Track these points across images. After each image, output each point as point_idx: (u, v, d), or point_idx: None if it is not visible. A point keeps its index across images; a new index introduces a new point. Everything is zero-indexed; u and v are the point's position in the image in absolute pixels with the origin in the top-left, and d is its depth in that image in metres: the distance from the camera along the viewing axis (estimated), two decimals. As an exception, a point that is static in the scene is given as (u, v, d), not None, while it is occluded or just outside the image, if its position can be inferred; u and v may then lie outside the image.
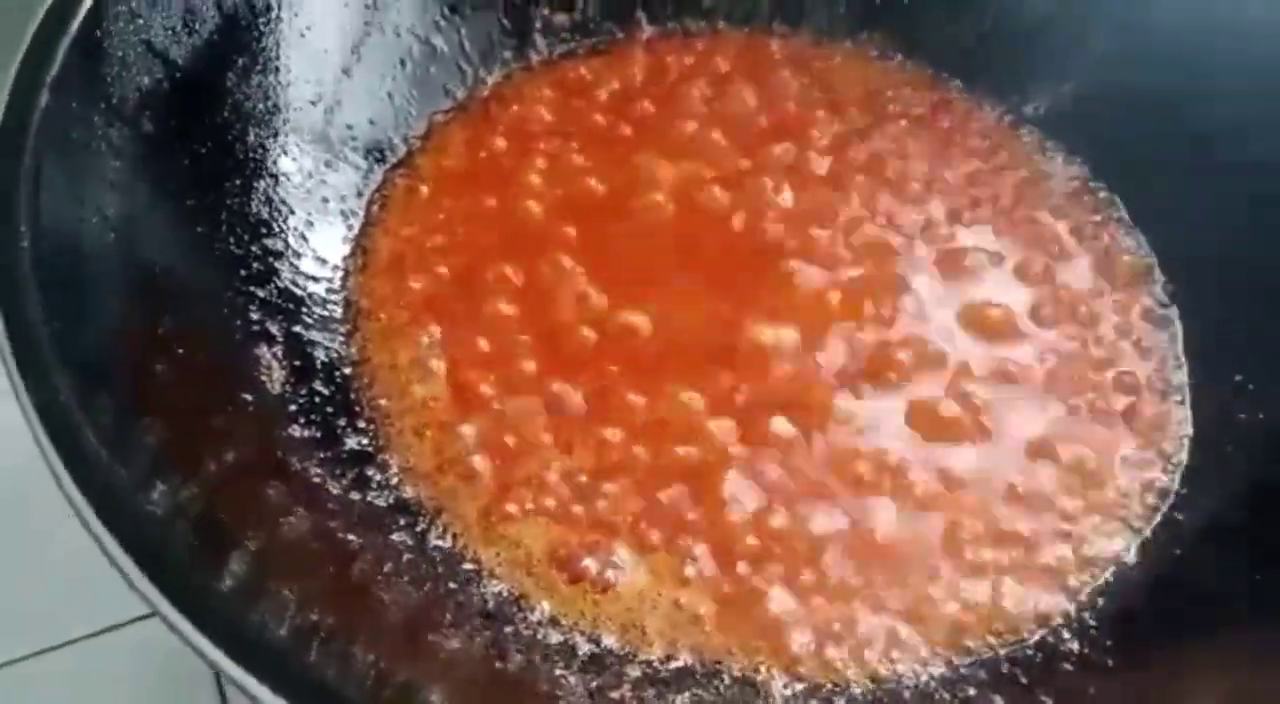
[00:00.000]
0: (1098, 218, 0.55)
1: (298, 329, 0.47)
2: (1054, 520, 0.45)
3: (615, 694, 0.39)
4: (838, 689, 0.41)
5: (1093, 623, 0.43)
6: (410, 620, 0.39)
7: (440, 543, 0.43)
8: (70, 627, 0.48)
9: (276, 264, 0.48)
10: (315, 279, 0.49)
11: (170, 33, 0.46)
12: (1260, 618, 0.41)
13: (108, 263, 0.40)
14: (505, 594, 0.42)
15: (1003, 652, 0.42)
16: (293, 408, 0.44)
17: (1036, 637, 0.42)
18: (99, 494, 0.32)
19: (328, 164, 0.52)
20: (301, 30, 0.51)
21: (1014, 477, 0.46)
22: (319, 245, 0.50)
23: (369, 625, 0.38)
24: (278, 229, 0.49)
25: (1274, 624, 0.41)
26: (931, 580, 0.43)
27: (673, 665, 0.41)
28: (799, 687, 0.41)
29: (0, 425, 0.34)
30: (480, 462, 0.45)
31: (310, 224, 0.50)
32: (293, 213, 0.50)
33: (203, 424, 0.40)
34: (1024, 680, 0.41)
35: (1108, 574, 0.44)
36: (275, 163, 0.50)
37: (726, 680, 0.41)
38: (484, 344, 0.48)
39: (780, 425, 0.46)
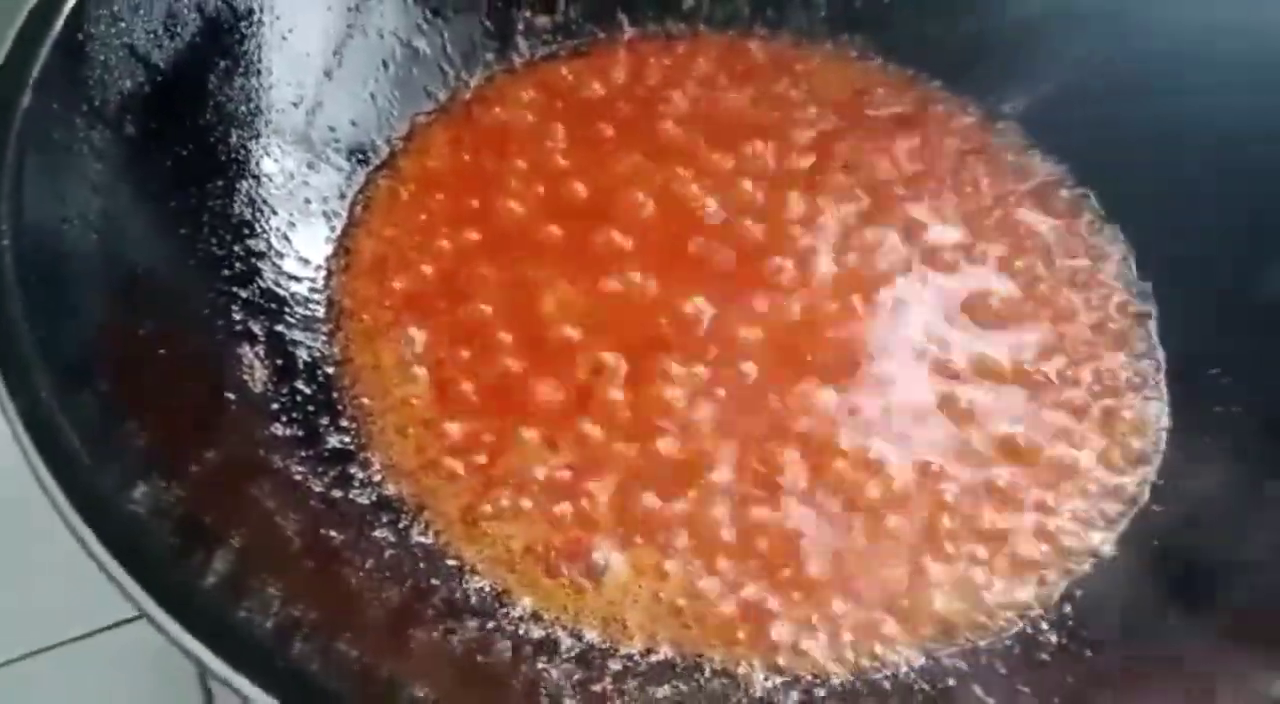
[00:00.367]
0: (1076, 215, 0.55)
1: (280, 329, 0.47)
2: (1032, 513, 0.46)
3: (597, 688, 0.39)
4: (818, 681, 0.41)
5: (1070, 615, 0.43)
6: (393, 616, 0.40)
7: (422, 540, 0.43)
8: (59, 629, 0.48)
9: (259, 264, 0.48)
10: (298, 279, 0.49)
11: (152, 35, 0.46)
12: (1236, 610, 0.42)
13: (90, 263, 0.40)
14: (487, 590, 0.42)
15: (981, 643, 0.42)
16: (275, 407, 0.44)
17: (1015, 628, 0.43)
18: (82, 494, 0.33)
19: (310, 165, 0.52)
20: (283, 33, 0.51)
21: (992, 470, 0.46)
22: (301, 246, 0.50)
23: (352, 622, 0.38)
24: (260, 230, 0.49)
25: (1250, 615, 0.41)
26: (910, 573, 0.44)
27: (653, 659, 0.41)
28: (779, 679, 0.41)
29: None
30: (462, 459, 0.45)
31: (293, 225, 0.50)
32: (275, 214, 0.50)
33: (185, 423, 0.41)
34: (1002, 671, 0.42)
35: (1085, 566, 0.45)
36: (257, 164, 0.50)
37: (707, 673, 0.41)
38: (465, 344, 0.48)
39: (761, 422, 0.47)
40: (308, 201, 0.51)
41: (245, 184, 0.49)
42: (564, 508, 0.44)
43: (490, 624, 0.41)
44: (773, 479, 0.45)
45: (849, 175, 0.56)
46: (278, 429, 0.44)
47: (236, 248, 0.48)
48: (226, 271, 0.47)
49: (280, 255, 0.49)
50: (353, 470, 0.44)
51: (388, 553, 0.42)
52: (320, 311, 0.49)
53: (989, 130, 0.58)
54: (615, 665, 0.41)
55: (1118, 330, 0.51)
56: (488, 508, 0.44)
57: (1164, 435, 0.48)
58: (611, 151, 0.56)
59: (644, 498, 0.44)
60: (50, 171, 0.40)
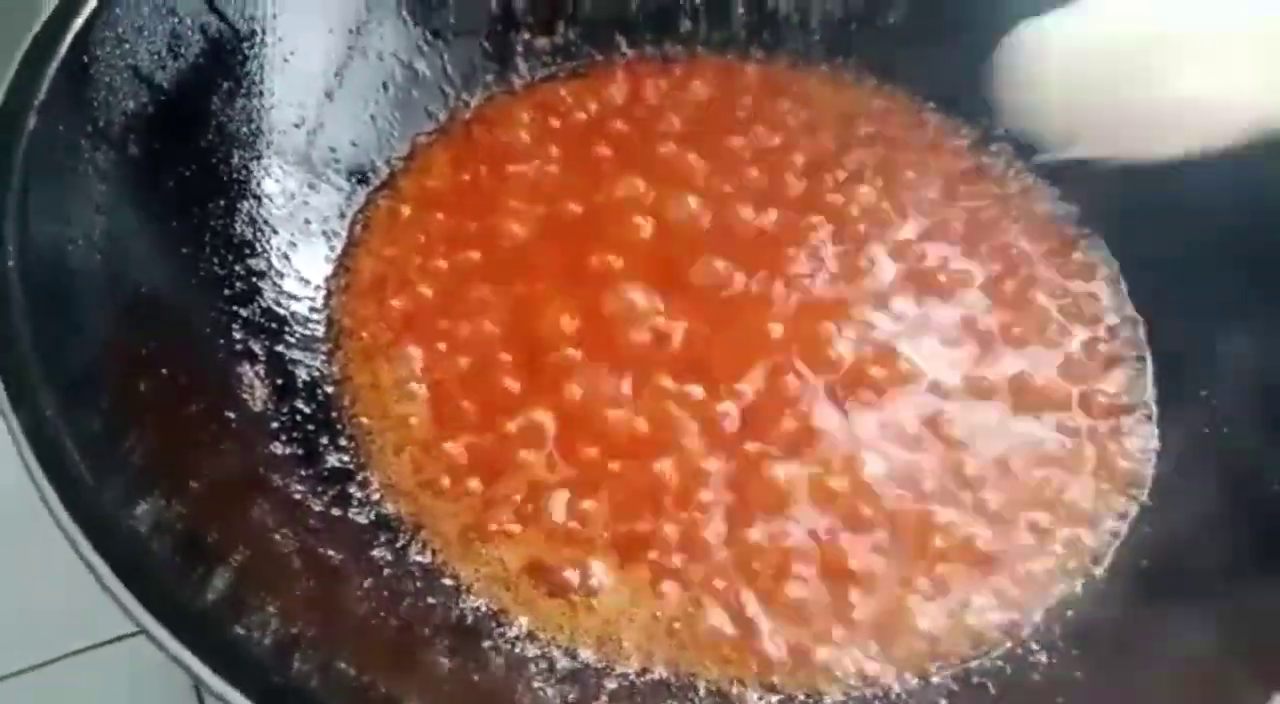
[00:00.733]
0: (1067, 237, 0.56)
1: (280, 348, 0.48)
2: (1022, 534, 0.46)
3: (592, 707, 0.40)
4: (811, 701, 0.41)
5: (1060, 635, 0.44)
6: (390, 634, 0.40)
7: (420, 558, 0.44)
8: (57, 643, 0.48)
9: (259, 284, 0.49)
10: (298, 299, 0.50)
11: (156, 57, 0.46)
12: (1225, 631, 0.42)
13: (93, 282, 0.41)
14: (484, 609, 0.43)
15: (972, 663, 0.43)
16: (275, 426, 0.45)
17: (1005, 648, 0.43)
18: (84, 511, 0.33)
19: (310, 185, 0.53)
20: (285, 54, 0.52)
21: (983, 491, 0.47)
22: (301, 265, 0.51)
23: (350, 640, 0.38)
24: (261, 249, 0.50)
25: (1240, 637, 0.41)
26: (902, 593, 0.44)
27: (649, 678, 0.41)
28: (773, 698, 0.41)
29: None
30: (460, 478, 0.46)
31: (293, 244, 0.51)
32: (276, 233, 0.50)
33: (186, 441, 0.41)
34: (993, 691, 0.42)
35: (1076, 586, 0.45)
36: (259, 184, 0.50)
37: (701, 692, 0.41)
38: (464, 363, 0.49)
39: (756, 442, 0.47)
40: (308, 221, 0.52)
41: (246, 204, 0.50)
42: (560, 527, 0.44)
43: (487, 643, 0.41)
44: (767, 499, 0.45)
45: (843, 197, 0.56)
46: (277, 448, 0.44)
47: (237, 267, 0.48)
48: (227, 291, 0.47)
49: (281, 275, 0.50)
50: (351, 489, 0.45)
51: (385, 572, 0.42)
52: (320, 331, 0.50)
53: (982, 152, 0.59)
54: (611, 685, 0.41)
55: (1107, 352, 0.52)
56: (485, 527, 0.44)
57: (1153, 456, 0.49)
58: (609, 173, 0.56)
59: (640, 518, 0.45)
60: (55, 193, 0.41)
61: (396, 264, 0.52)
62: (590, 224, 0.54)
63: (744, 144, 0.58)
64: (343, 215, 0.54)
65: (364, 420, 0.47)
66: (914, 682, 0.42)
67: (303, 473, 0.44)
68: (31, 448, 0.34)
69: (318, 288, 0.51)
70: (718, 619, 0.43)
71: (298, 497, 0.43)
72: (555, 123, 0.59)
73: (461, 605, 0.43)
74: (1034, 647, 0.43)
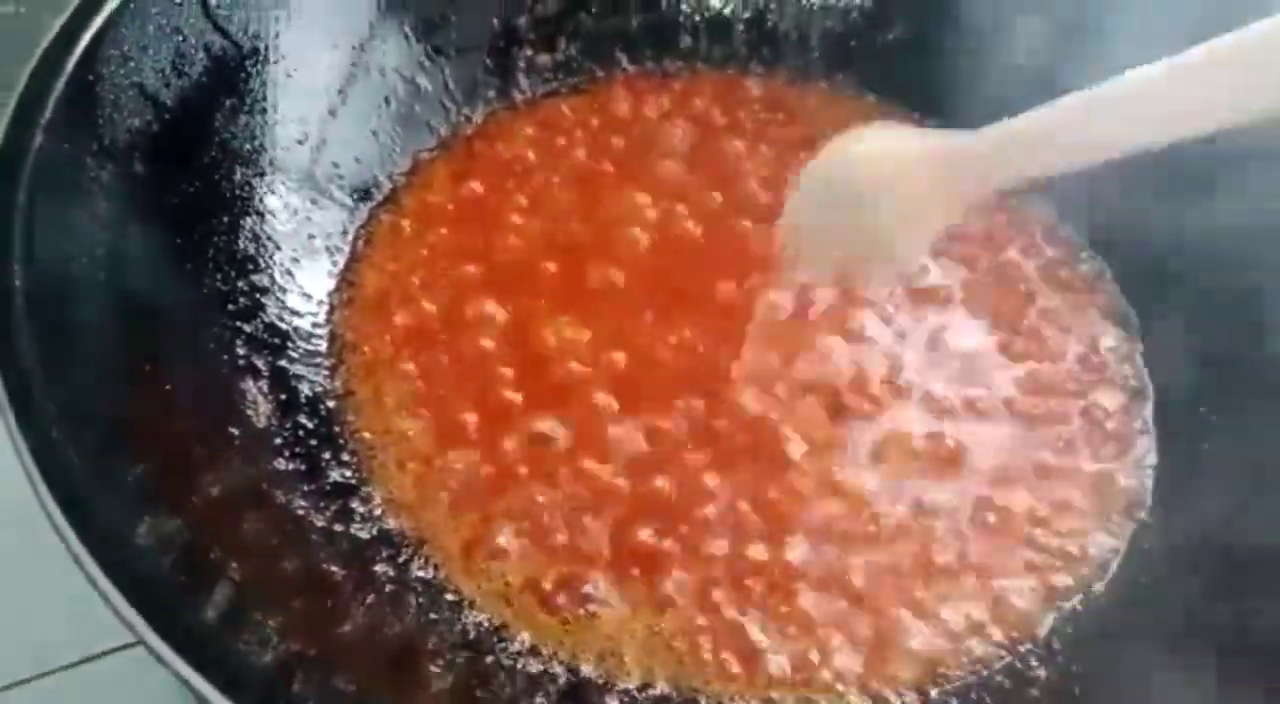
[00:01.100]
0: (1065, 252, 0.56)
1: (283, 363, 0.48)
2: (1022, 550, 0.46)
3: (594, 723, 0.40)
4: (812, 716, 0.42)
5: (1060, 650, 0.44)
6: (392, 650, 0.40)
7: (422, 574, 0.44)
8: (57, 654, 0.48)
9: (263, 299, 0.49)
10: (301, 314, 0.50)
11: (160, 75, 0.47)
12: (1226, 645, 0.42)
13: (97, 299, 0.41)
14: (486, 624, 0.43)
15: (971, 679, 0.43)
16: (278, 441, 0.45)
17: (1004, 663, 0.43)
18: (87, 527, 0.33)
19: (314, 201, 0.53)
20: (288, 72, 0.52)
21: (983, 507, 0.47)
22: (305, 281, 0.51)
23: (351, 656, 0.38)
24: (264, 265, 0.50)
25: (1239, 651, 0.42)
26: (903, 609, 0.44)
27: (650, 694, 0.42)
28: (773, 714, 0.42)
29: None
30: (462, 494, 0.46)
31: (296, 260, 0.51)
32: (279, 249, 0.51)
33: (189, 457, 0.41)
34: (993, 706, 0.42)
35: (1075, 602, 0.45)
36: (262, 201, 0.51)
37: (702, 708, 0.42)
38: (466, 378, 0.49)
39: (756, 457, 0.47)
40: (311, 237, 0.52)
41: (250, 220, 0.50)
42: (562, 543, 0.45)
43: (488, 658, 0.42)
44: (767, 515, 0.46)
45: (843, 212, 0.56)
46: (280, 463, 0.44)
47: (241, 283, 0.48)
48: (231, 307, 0.48)
49: (284, 290, 0.50)
50: (354, 505, 0.45)
51: (388, 588, 0.42)
52: (323, 346, 0.50)
53: (981, 168, 0.59)
54: (612, 701, 0.41)
55: (1107, 367, 0.52)
56: (487, 543, 0.45)
57: (1152, 473, 0.49)
58: (610, 188, 0.57)
59: (641, 533, 0.45)
60: (60, 210, 0.41)
61: (399, 279, 0.53)
62: (591, 239, 0.55)
63: (744, 159, 0.59)
64: (345, 231, 0.54)
65: (366, 435, 0.48)
66: (913, 697, 0.42)
67: (305, 488, 0.44)
68: (36, 464, 0.34)
69: (320, 303, 0.51)
70: (719, 635, 0.43)
71: (300, 512, 0.43)
72: (557, 139, 0.59)
73: (463, 621, 0.43)
74: (1033, 662, 0.43)
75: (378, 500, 0.46)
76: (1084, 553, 0.46)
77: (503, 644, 0.42)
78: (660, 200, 0.56)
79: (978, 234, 0.56)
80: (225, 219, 0.49)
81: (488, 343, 0.50)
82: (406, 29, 0.57)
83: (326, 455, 0.46)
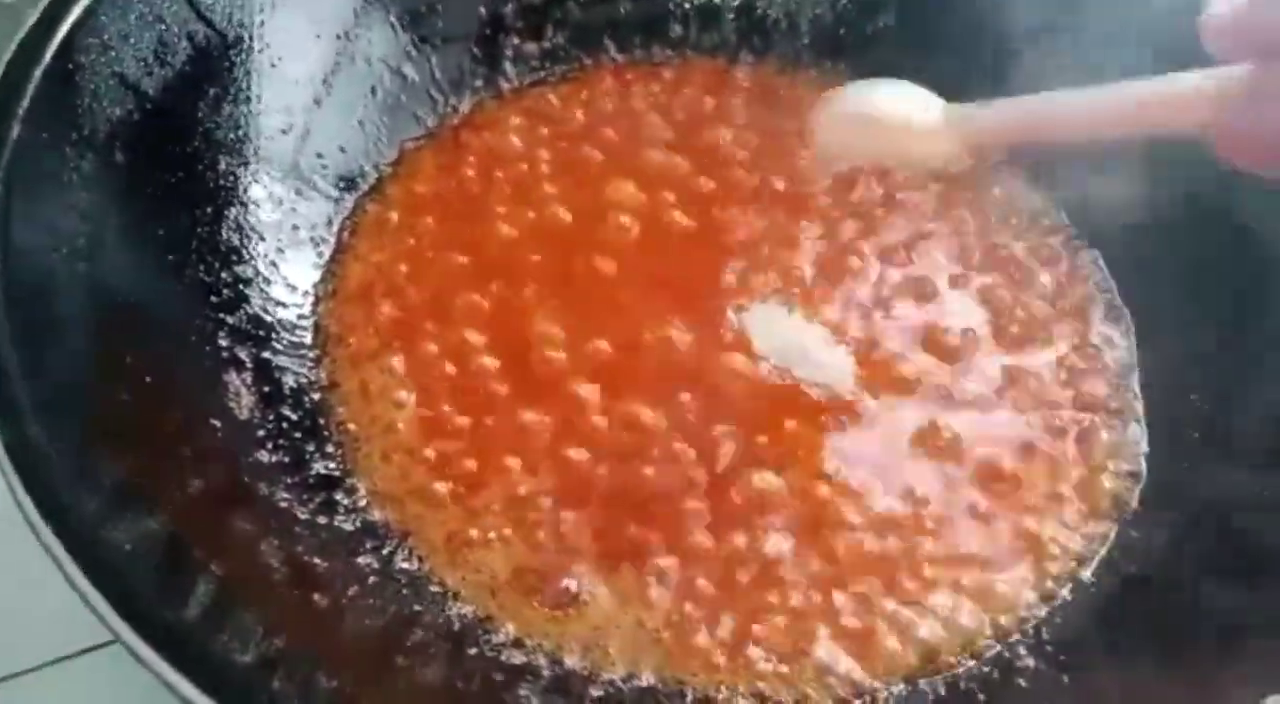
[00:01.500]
0: (1057, 242, 0.56)
1: (267, 355, 0.48)
2: (1012, 539, 0.46)
3: (579, 715, 0.40)
4: (798, 706, 0.41)
5: (1049, 640, 0.43)
6: (375, 643, 0.40)
7: (406, 566, 0.43)
8: (36, 652, 0.48)
9: (246, 291, 0.49)
10: (285, 305, 0.50)
11: (142, 64, 0.46)
12: (1214, 635, 0.42)
13: (78, 291, 0.41)
14: (470, 616, 0.43)
15: (960, 669, 0.43)
16: (261, 433, 0.45)
17: (994, 653, 0.43)
18: (64, 523, 0.33)
19: (299, 191, 0.53)
20: (272, 61, 0.52)
21: (973, 496, 0.47)
22: (289, 272, 0.51)
23: (334, 650, 0.38)
24: (248, 256, 0.49)
25: (1228, 642, 0.41)
26: (891, 599, 0.44)
27: (635, 685, 0.41)
28: (760, 705, 0.41)
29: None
30: (447, 485, 0.46)
31: (280, 251, 0.51)
32: (263, 240, 0.50)
33: (170, 450, 0.41)
34: (981, 697, 0.42)
35: (1065, 591, 0.45)
36: (246, 191, 0.50)
37: (689, 700, 0.41)
38: (452, 369, 0.49)
39: (743, 448, 0.47)
40: (296, 228, 0.52)
41: (234, 211, 0.50)
42: (547, 534, 0.44)
43: (473, 650, 0.41)
44: (754, 505, 0.45)
45: (833, 201, 0.56)
46: (263, 455, 0.44)
47: (224, 274, 0.48)
48: (214, 298, 0.47)
49: (268, 282, 0.50)
50: (338, 497, 0.45)
51: (371, 580, 0.42)
52: (307, 337, 0.50)
53: (972, 157, 0.59)
54: (597, 692, 0.41)
55: (1097, 355, 0.52)
56: (472, 534, 0.44)
57: (1143, 461, 0.49)
58: (598, 177, 0.56)
59: (627, 524, 0.45)
60: (39, 201, 0.41)
61: (384, 270, 0.52)
62: (579, 229, 0.54)
63: (734, 149, 0.58)
64: (331, 222, 0.54)
65: (351, 427, 0.47)
66: (901, 688, 0.42)
67: (289, 480, 0.44)
68: (11, 459, 0.34)
69: (305, 294, 0.51)
70: (705, 626, 0.43)
71: (284, 504, 0.43)
72: (544, 128, 0.59)
73: (448, 612, 0.42)
74: (1021, 652, 0.43)
75: (362, 492, 0.45)
76: (1073, 542, 0.46)
77: (487, 636, 0.42)
78: (649, 189, 0.56)
79: (970, 221, 0.56)
80: (209, 210, 0.49)
81: (474, 334, 0.50)
82: (392, 18, 0.57)
83: (310, 447, 0.46)
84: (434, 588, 0.43)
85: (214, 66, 0.50)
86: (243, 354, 0.46)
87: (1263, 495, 0.45)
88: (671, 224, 0.55)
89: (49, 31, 0.43)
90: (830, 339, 0.51)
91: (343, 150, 0.55)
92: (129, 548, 0.35)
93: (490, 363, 0.49)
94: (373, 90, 0.56)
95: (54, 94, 0.42)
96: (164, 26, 0.47)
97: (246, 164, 0.51)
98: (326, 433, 0.47)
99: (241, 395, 0.45)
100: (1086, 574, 0.45)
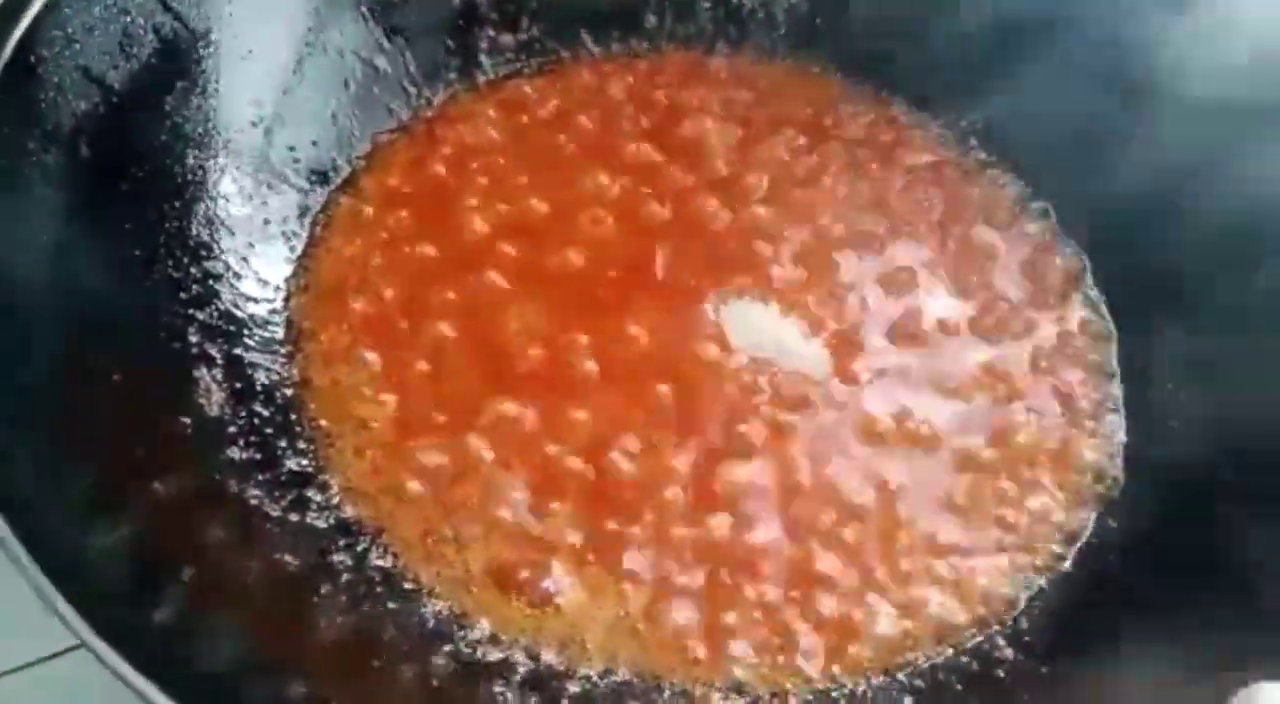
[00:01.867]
0: (1034, 232, 0.56)
1: (238, 351, 0.47)
2: (990, 529, 0.46)
3: (555, 710, 0.39)
4: (776, 700, 0.41)
5: (1027, 630, 0.43)
6: (349, 641, 0.40)
7: (380, 563, 0.43)
8: (6, 657, 0.47)
9: (216, 286, 0.48)
10: (256, 301, 0.49)
11: (107, 57, 0.46)
12: (1193, 625, 0.42)
13: (43, 290, 0.40)
14: (446, 612, 0.42)
15: (939, 660, 0.43)
16: (232, 430, 0.44)
17: (972, 644, 0.43)
18: (29, 526, 0.32)
19: (269, 185, 0.52)
20: (241, 53, 0.51)
21: (950, 487, 0.47)
22: (260, 267, 0.50)
23: (306, 649, 0.38)
24: (218, 251, 0.49)
25: (1207, 631, 0.41)
26: (869, 591, 0.44)
27: (612, 680, 0.41)
28: (738, 699, 0.41)
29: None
30: (421, 481, 0.45)
31: (251, 245, 0.50)
32: (233, 234, 0.50)
33: (139, 449, 0.40)
34: (959, 687, 0.42)
35: (1042, 581, 0.45)
36: (215, 185, 0.50)
37: (666, 694, 0.41)
38: (425, 364, 0.48)
39: (721, 440, 0.47)
40: (267, 222, 0.51)
41: (203, 205, 0.49)
42: (523, 529, 0.44)
43: (448, 647, 0.41)
44: (731, 498, 0.45)
45: (810, 192, 0.56)
46: (234, 453, 0.44)
47: (194, 270, 0.47)
48: (183, 294, 0.46)
49: (239, 277, 0.49)
50: (310, 493, 0.44)
51: (345, 577, 0.42)
52: (279, 333, 0.49)
53: (949, 146, 0.59)
54: (574, 688, 0.41)
55: (1077, 345, 0.52)
56: (447, 530, 0.44)
57: (1121, 450, 0.49)
58: (574, 169, 0.56)
59: (603, 518, 0.44)
60: (2, 196, 0.40)
61: (357, 264, 0.52)
62: (554, 221, 0.54)
63: (710, 140, 0.58)
64: (302, 215, 0.53)
65: (324, 423, 0.47)
66: (880, 679, 0.42)
67: (260, 477, 0.43)
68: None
69: (277, 289, 0.50)
70: (682, 620, 0.42)
71: (255, 502, 0.42)
72: (519, 120, 0.58)
73: (422, 610, 0.42)
74: (1000, 642, 0.43)
75: (335, 489, 0.45)
76: (1052, 532, 0.46)
77: (463, 632, 0.42)
78: (624, 181, 0.55)
79: (949, 211, 0.56)
80: (177, 204, 0.48)
81: (447, 328, 0.49)
82: (364, 8, 0.56)
83: (282, 444, 0.45)
84: (408, 585, 0.43)
85: (181, 59, 0.49)
86: (213, 350, 0.46)
87: (1241, 485, 0.45)
88: (648, 216, 0.54)
89: (10, 23, 0.42)
90: (807, 330, 0.51)
91: (314, 143, 0.54)
92: (96, 549, 0.34)
93: (465, 357, 0.49)
94: (345, 82, 0.56)
95: (16, 87, 0.41)
96: (129, 18, 0.46)
97: (215, 157, 0.50)
98: (298, 429, 0.46)
99: (212, 392, 0.44)
100: (1065, 564, 0.45)
